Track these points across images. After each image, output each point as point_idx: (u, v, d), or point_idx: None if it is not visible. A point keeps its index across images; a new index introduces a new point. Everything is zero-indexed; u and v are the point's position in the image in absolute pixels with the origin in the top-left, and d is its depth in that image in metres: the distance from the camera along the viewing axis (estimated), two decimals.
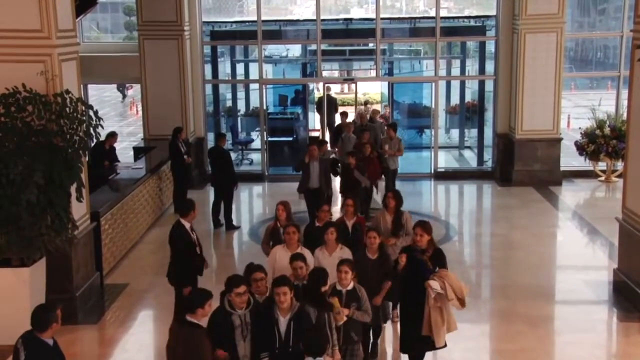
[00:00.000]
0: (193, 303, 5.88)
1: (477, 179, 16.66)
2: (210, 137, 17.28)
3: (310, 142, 13.71)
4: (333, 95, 20.38)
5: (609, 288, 10.10)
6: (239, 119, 20.01)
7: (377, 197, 13.38)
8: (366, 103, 20.77)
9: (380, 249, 7.62)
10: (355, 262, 7.14)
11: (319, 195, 12.00)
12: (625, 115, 12.22)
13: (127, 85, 31.55)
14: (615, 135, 15.51)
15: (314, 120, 20.20)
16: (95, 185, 11.49)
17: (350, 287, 6.78)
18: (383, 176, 13.93)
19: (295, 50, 22.06)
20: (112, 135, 14.24)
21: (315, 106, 19.91)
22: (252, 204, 16.18)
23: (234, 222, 13.24)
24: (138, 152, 15.64)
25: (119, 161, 14.40)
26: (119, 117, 29.72)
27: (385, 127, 14.81)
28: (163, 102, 15.91)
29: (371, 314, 6.91)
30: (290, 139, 18.15)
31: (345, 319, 6.59)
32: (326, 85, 18.56)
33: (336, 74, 23.79)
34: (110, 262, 11.07)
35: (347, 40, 18.94)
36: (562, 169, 16.10)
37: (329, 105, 18.47)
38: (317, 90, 20.04)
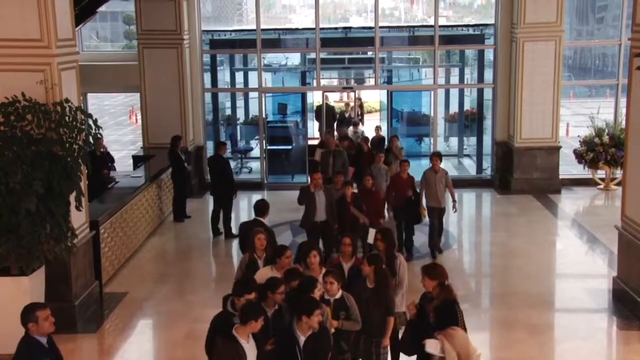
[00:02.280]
0: (247, 316, 5.70)
1: (476, 187, 16.67)
2: (210, 145, 17.27)
3: (314, 168, 11.93)
4: (331, 103, 20.33)
5: (608, 296, 10.08)
6: (238, 127, 20.01)
7: None
8: (355, 124, 18.26)
9: (378, 277, 6.89)
10: (353, 292, 6.86)
11: (326, 230, 10.68)
12: (623, 123, 12.23)
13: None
14: (614, 143, 15.53)
15: (313, 128, 20.23)
16: (94, 194, 11.51)
17: (338, 295, 6.68)
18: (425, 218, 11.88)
19: (294, 58, 22.08)
20: (98, 139, 14.10)
21: (314, 114, 19.92)
22: (251, 213, 16.04)
23: (233, 231, 13.19)
24: (137, 160, 15.63)
25: (114, 161, 14.37)
26: (119, 125, 29.74)
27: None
28: (162, 110, 15.92)
29: (360, 322, 6.75)
30: (290, 147, 18.16)
31: (333, 330, 6.51)
32: (325, 93, 18.56)
33: (335, 82, 23.83)
34: (109, 271, 11.04)
35: (346, 48, 18.98)
36: (561, 177, 16.11)
37: (327, 114, 18.48)
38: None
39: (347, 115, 19.62)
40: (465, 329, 6.05)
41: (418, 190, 11.82)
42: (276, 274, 7.17)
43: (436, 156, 11.91)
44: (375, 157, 12.96)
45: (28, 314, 5.61)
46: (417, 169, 17.72)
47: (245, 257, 7.94)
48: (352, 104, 20.81)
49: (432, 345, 5.79)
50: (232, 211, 13.48)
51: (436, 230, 11.82)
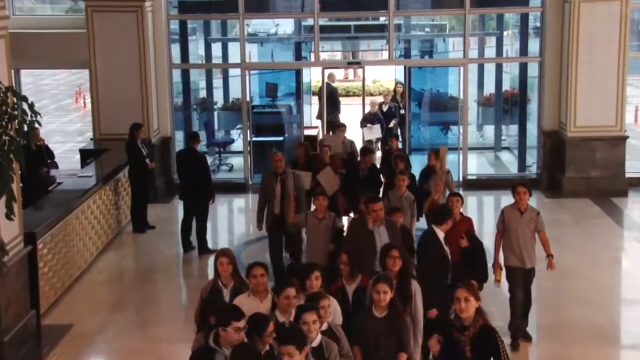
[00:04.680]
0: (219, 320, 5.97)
1: None
2: (179, 136, 17.29)
3: (369, 197, 10.08)
4: (333, 84, 20.05)
5: None
6: (215, 113, 19.99)
7: None
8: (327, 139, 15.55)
9: (391, 306, 6.99)
10: (354, 324, 6.99)
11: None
12: None
13: None
14: None
15: (311, 115, 20.18)
16: (30, 199, 11.44)
17: (316, 343, 6.47)
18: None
19: (286, 26, 22.04)
20: (34, 129, 14.05)
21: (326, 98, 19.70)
22: (232, 221, 16.09)
23: (209, 245, 13.16)
24: (86, 155, 15.59)
25: (54, 157, 14.31)
26: (63, 111, 29.74)
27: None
28: (118, 92, 15.86)
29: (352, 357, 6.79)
30: (281, 138, 18.14)
31: None
32: (325, 69, 18.50)
33: (338, 56, 23.73)
34: (49, 297, 10.99)
35: (352, 13, 18.91)
36: (627, 175, 16.09)
37: (327, 99, 18.33)
38: None
39: (383, 107, 17.99)
40: None
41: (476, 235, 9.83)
42: (253, 299, 7.21)
43: (523, 187, 9.55)
44: (397, 180, 11.22)
45: None
46: None
47: (207, 285, 7.95)
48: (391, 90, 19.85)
49: None
50: (208, 220, 13.42)
51: (519, 303, 9.68)
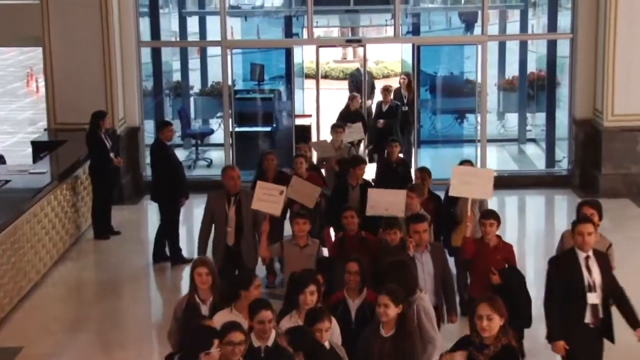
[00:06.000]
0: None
1: (547, 186, 16.69)
2: (149, 126, 17.22)
3: (411, 216, 9.46)
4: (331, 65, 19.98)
5: None
6: (191, 99, 20.09)
7: None
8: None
9: (399, 322, 7.06)
10: (359, 343, 7.13)
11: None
12: None
13: None
14: None
15: (304, 102, 20.11)
16: None
17: None
18: None
19: None
20: None
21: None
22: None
23: (184, 253, 13.08)
24: (39, 148, 15.54)
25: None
26: (11, 96, 29.77)
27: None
28: (77, 75, 15.83)
29: None
30: (268, 129, 18.16)
31: None
32: (319, 47, 18.44)
33: (335, 32, 23.68)
34: None
35: None
36: None
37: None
38: None
39: (382, 107, 17.43)
40: None
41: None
42: (238, 318, 7.17)
43: (592, 207, 8.74)
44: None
45: None
46: (458, 160, 17.47)
47: (182, 300, 7.99)
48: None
49: None
50: (183, 225, 13.47)
51: None
